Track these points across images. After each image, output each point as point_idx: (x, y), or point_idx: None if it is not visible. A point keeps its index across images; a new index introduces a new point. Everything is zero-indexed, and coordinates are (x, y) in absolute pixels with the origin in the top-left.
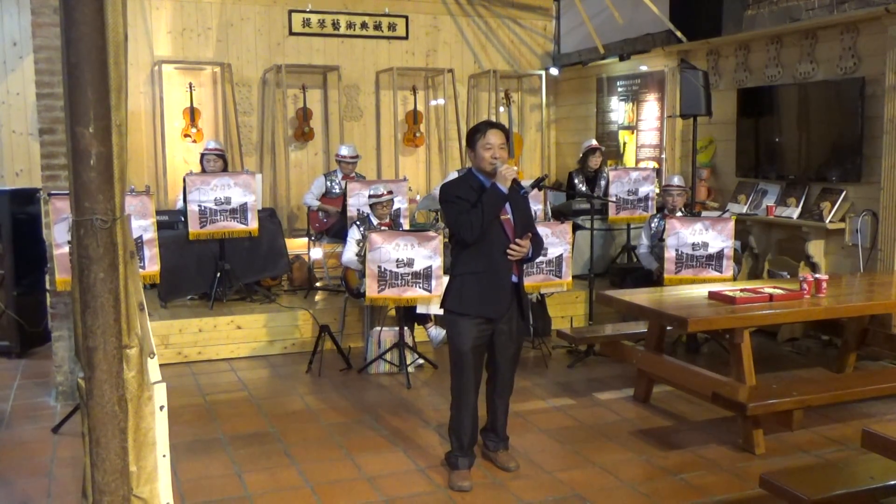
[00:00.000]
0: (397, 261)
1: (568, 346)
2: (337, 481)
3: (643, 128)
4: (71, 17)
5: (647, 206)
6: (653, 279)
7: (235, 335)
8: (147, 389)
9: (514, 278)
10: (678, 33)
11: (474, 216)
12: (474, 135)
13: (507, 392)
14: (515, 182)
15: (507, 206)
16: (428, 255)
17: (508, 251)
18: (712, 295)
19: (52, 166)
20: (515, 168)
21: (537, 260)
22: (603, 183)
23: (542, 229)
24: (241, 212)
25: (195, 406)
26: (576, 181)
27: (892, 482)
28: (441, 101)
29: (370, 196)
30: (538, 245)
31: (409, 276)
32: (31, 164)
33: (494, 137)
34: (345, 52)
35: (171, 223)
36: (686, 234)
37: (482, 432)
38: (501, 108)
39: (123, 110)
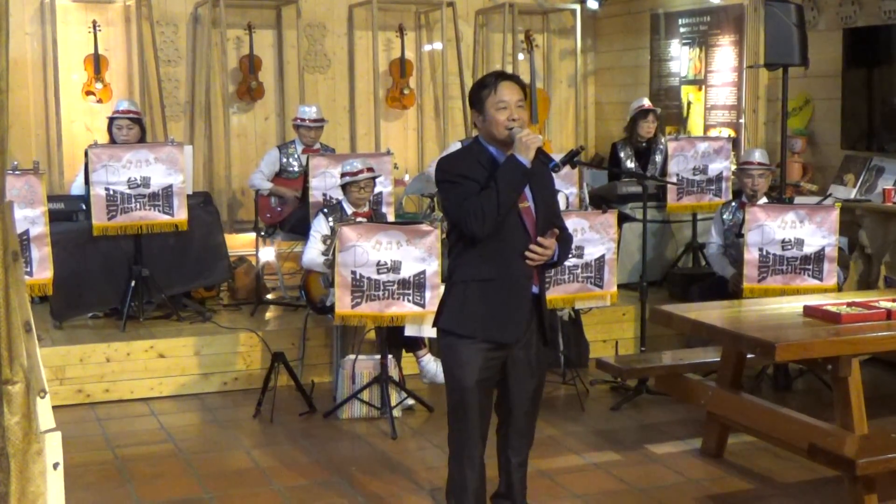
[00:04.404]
0: (378, 264)
1: (612, 380)
2: None
3: (714, 82)
4: None
5: (720, 189)
6: (727, 289)
7: (156, 366)
8: (36, 441)
9: (535, 288)
10: None
11: (486, 200)
12: (480, 91)
13: (524, 444)
14: (541, 153)
15: (528, 189)
16: (420, 256)
17: (528, 254)
18: (809, 311)
19: None
20: (540, 137)
21: (570, 264)
22: (659, 158)
23: (577, 221)
24: (163, 197)
25: (101, 463)
26: (621, 155)
27: None
28: (438, 46)
29: (343, 174)
30: (566, 244)
31: (395, 286)
32: None
33: (509, 93)
34: None
35: (68, 213)
36: (773, 228)
37: (493, 498)
38: (521, 56)
39: (3, 59)
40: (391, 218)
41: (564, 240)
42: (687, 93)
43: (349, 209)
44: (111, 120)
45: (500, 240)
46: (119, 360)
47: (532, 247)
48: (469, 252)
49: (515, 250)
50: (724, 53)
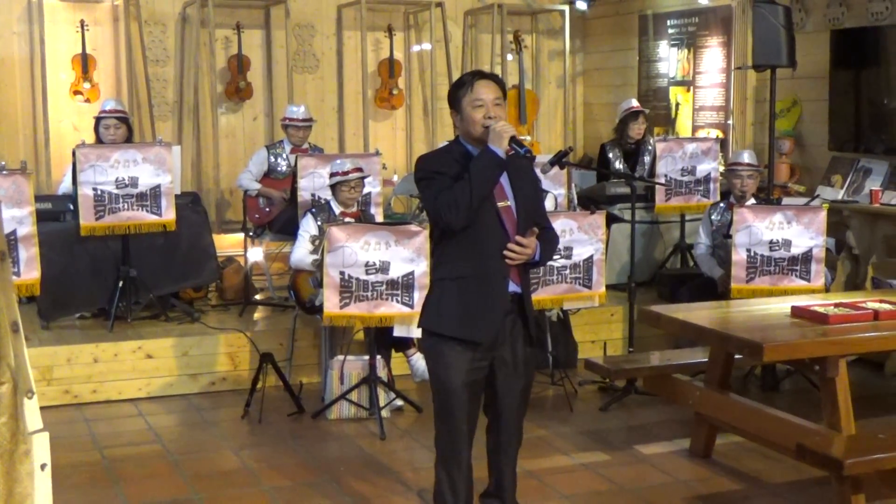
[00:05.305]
0: (367, 265)
1: (600, 381)
2: None
3: (703, 83)
4: None
5: (708, 190)
6: (716, 290)
7: (144, 367)
8: (23, 442)
9: (516, 287)
10: None
11: (459, 190)
12: (458, 90)
13: (512, 445)
14: (514, 142)
15: (508, 187)
16: (409, 256)
17: (506, 252)
18: (797, 311)
19: None
20: (532, 138)
21: (558, 265)
22: (647, 159)
23: (565, 222)
24: (151, 198)
25: (89, 464)
26: (610, 156)
27: None
28: (427, 47)
29: (332, 174)
30: (550, 243)
31: (384, 287)
32: None
33: (486, 91)
34: None
35: (56, 213)
36: (761, 229)
37: (483, 498)
38: (510, 56)
39: None
40: (379, 218)
41: (548, 240)
42: (675, 94)
43: (337, 209)
44: (98, 120)
45: (478, 238)
46: (107, 361)
47: (510, 245)
48: (449, 251)
49: (493, 249)
50: (713, 55)
